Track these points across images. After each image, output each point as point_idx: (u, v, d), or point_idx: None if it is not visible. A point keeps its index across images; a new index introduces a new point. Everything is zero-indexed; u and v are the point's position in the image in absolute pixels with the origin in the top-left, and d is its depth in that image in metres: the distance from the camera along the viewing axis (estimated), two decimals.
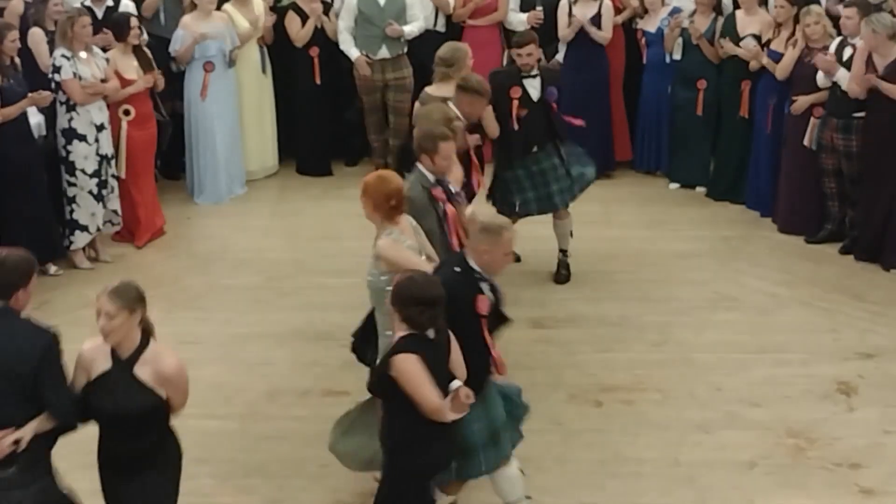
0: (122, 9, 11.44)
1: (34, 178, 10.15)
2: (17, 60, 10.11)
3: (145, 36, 11.26)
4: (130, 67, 10.69)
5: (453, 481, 6.82)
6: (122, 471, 5.90)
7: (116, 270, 10.11)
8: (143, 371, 5.76)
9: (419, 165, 7.67)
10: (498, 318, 6.88)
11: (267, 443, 8.01)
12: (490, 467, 6.72)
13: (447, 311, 6.15)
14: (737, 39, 11.50)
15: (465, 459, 6.60)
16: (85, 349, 5.93)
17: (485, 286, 6.60)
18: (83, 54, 10.26)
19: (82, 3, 11.34)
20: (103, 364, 5.84)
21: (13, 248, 6.00)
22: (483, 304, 6.52)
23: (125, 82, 10.62)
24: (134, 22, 10.77)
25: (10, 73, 9.91)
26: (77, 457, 6.21)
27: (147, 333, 5.81)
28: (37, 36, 10.65)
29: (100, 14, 11.37)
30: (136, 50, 10.76)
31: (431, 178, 7.61)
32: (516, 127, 9.75)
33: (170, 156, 11.98)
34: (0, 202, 10.04)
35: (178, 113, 11.93)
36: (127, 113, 10.72)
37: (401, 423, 6.13)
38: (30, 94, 9.83)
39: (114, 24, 10.76)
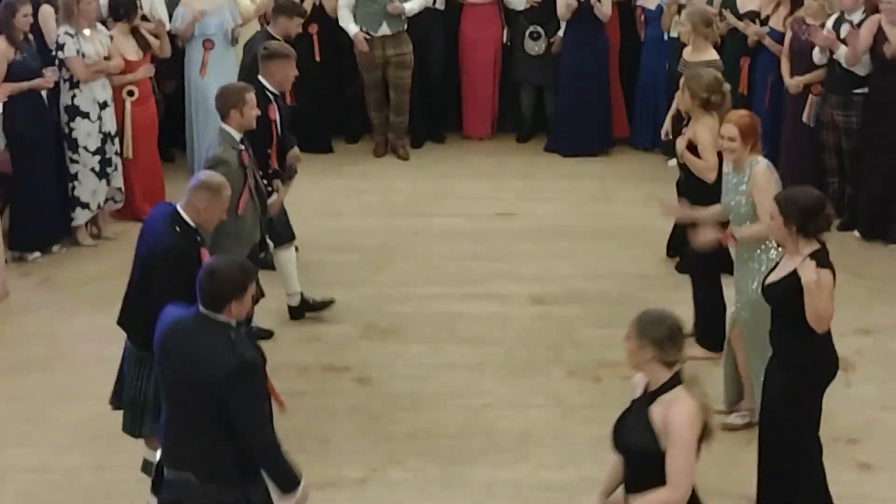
0: None
1: (46, 157, 10.22)
2: (31, 37, 10.13)
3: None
4: (130, 48, 10.70)
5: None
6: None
7: (119, 248, 10.14)
8: (656, 411, 5.29)
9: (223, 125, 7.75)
10: None
11: None
12: None
13: (176, 270, 6.12)
14: (737, 16, 11.51)
15: None
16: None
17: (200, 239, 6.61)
18: (87, 32, 10.27)
19: None
20: (639, 391, 5.51)
21: (229, 257, 5.82)
22: (206, 255, 6.46)
23: (128, 63, 10.63)
24: (139, 3, 10.78)
25: (24, 47, 9.98)
26: None
27: (678, 375, 5.30)
28: (46, 13, 10.66)
29: None
30: (134, 30, 10.77)
31: (238, 136, 7.74)
32: None
33: (162, 135, 11.92)
34: (13, 180, 10.13)
35: (170, 94, 11.89)
36: (131, 94, 10.74)
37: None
38: (35, 81, 9.91)
39: (120, 5, 10.74)
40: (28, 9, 9.97)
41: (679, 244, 9.84)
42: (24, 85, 9.89)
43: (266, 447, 5.56)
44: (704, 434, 5.29)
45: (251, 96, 7.85)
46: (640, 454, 5.37)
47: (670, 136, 9.69)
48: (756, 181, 7.47)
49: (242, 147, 7.81)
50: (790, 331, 6.40)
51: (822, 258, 6.30)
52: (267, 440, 5.56)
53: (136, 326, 6.60)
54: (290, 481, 5.64)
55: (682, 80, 8.66)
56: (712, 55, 9.54)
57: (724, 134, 7.53)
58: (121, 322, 6.86)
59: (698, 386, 5.29)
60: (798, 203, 6.32)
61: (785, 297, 6.35)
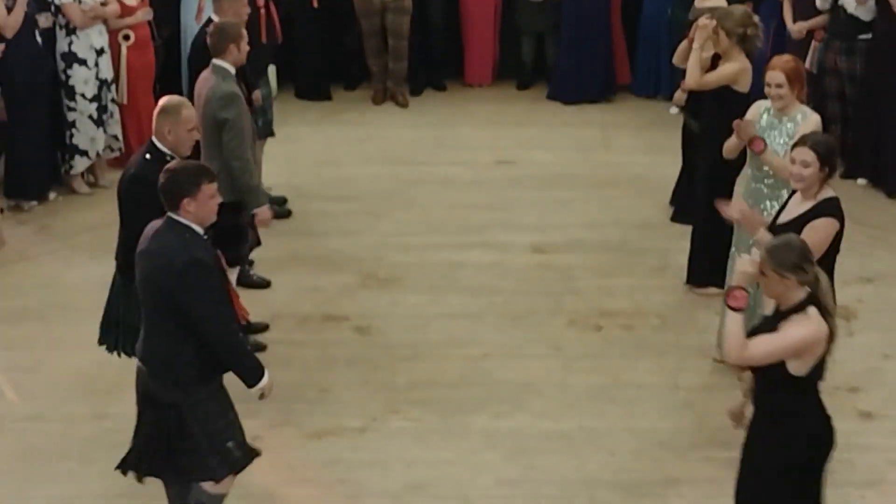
0: None
1: (42, 104, 10.16)
2: None
3: None
4: None
5: None
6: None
7: (115, 196, 10.05)
8: (791, 322, 5.44)
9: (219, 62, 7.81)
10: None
11: (268, 368, 7.95)
12: None
13: (151, 200, 6.09)
14: None
15: None
16: None
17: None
18: None
19: None
20: (768, 309, 5.70)
21: (185, 161, 6.04)
22: None
23: (125, 8, 10.54)
24: None
25: None
26: None
27: (811, 299, 5.45)
28: None
29: None
30: None
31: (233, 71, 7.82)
32: None
33: (163, 82, 11.85)
34: (7, 127, 10.06)
35: (165, 38, 11.81)
36: (127, 38, 10.65)
37: None
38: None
39: None
40: None
41: (681, 195, 9.80)
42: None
43: (222, 339, 5.76)
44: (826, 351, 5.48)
45: (245, 31, 7.95)
46: (766, 371, 5.51)
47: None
48: (807, 128, 7.30)
49: (236, 81, 7.90)
50: None
51: (833, 207, 6.38)
52: (223, 332, 5.75)
53: (122, 258, 6.73)
54: (253, 372, 5.95)
55: (696, 25, 8.54)
56: (720, 0, 9.44)
57: (770, 81, 7.40)
58: (116, 258, 6.97)
59: (832, 316, 5.46)
60: (831, 148, 6.40)
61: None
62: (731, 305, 5.45)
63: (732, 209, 6.92)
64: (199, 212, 5.71)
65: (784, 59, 7.48)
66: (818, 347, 5.42)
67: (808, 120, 7.40)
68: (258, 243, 8.46)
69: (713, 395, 7.71)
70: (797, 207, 6.50)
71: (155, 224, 5.80)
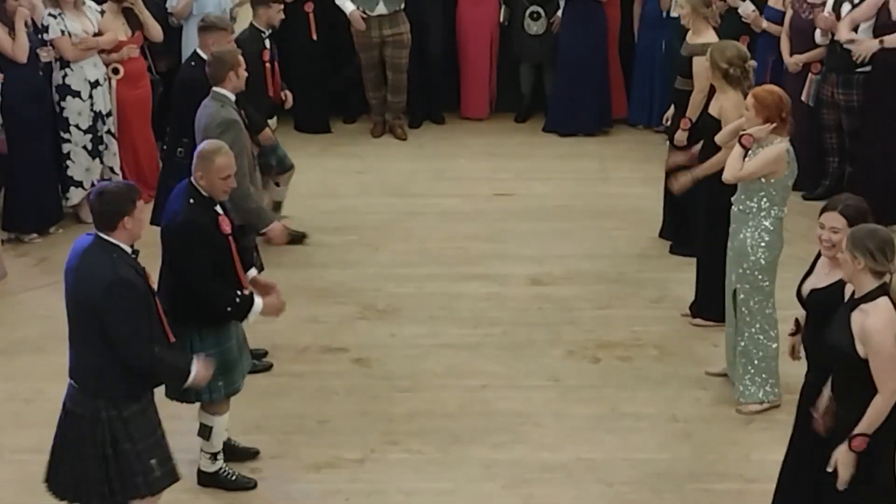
0: None
1: (43, 138, 10.21)
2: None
3: None
4: (121, 29, 10.64)
5: (222, 399, 6.95)
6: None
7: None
8: (856, 317, 5.62)
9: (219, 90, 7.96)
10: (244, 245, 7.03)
11: (267, 399, 8.05)
12: (241, 384, 7.05)
13: (194, 241, 6.49)
14: None
15: (228, 374, 6.86)
16: None
17: (218, 209, 6.77)
18: (72, 10, 10.23)
19: None
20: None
21: (114, 182, 6.23)
22: (225, 224, 6.72)
23: (117, 44, 10.59)
24: None
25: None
26: None
27: (885, 286, 5.62)
28: None
29: None
30: (126, 9, 10.71)
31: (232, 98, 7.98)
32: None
33: (162, 115, 11.87)
34: (8, 160, 10.11)
35: (163, 72, 11.86)
36: (116, 71, 10.69)
37: None
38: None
39: None
40: None
41: (675, 225, 9.86)
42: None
43: (139, 359, 5.89)
44: None
45: (242, 59, 8.08)
46: (838, 355, 5.70)
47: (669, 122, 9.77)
48: (766, 150, 7.47)
49: (236, 108, 8.02)
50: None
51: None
52: (137, 352, 5.88)
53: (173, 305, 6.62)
54: (179, 377, 6.17)
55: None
56: (711, 37, 9.50)
57: (746, 104, 7.62)
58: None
59: None
60: (862, 211, 6.20)
61: (830, 304, 6.13)
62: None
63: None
64: (134, 229, 5.92)
65: (763, 88, 7.65)
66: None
67: (774, 145, 7.49)
68: (261, 269, 8.48)
69: (711, 426, 7.73)
70: (828, 275, 6.28)
71: (83, 242, 5.99)
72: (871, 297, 5.61)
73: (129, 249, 5.93)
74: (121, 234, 5.88)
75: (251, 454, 7.39)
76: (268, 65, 9.90)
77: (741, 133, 7.58)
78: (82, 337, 5.97)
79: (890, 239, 5.65)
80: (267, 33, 10.07)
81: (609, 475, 7.25)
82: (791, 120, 7.57)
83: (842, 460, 5.72)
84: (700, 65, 9.19)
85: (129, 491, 6.02)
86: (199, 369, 6.16)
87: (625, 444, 7.55)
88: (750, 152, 7.53)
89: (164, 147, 9.35)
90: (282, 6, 10.24)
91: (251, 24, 10.17)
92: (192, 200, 6.65)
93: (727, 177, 7.60)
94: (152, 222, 9.01)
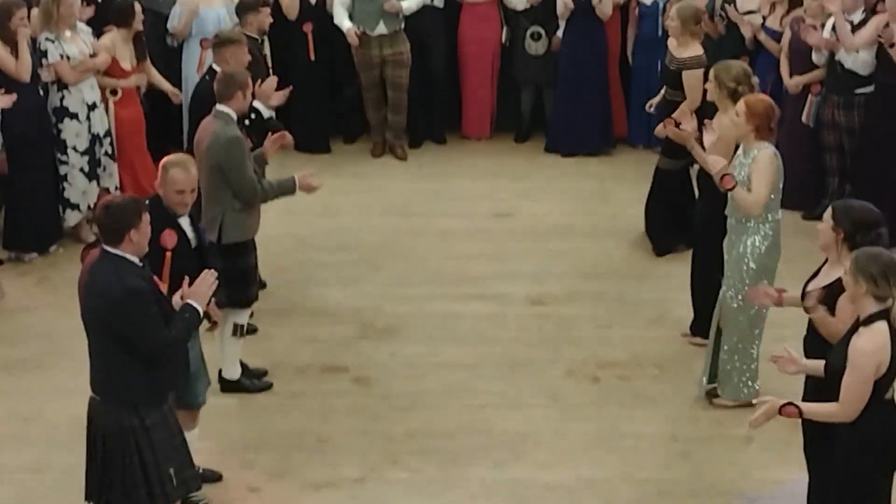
0: None
1: (43, 158, 10.23)
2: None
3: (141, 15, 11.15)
4: (126, 56, 10.65)
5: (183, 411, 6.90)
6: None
7: None
8: (854, 339, 5.72)
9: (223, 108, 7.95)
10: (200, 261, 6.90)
11: (267, 417, 8.05)
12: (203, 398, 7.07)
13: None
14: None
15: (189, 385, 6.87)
16: None
17: (183, 221, 6.84)
18: (68, 33, 10.25)
19: None
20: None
21: (119, 195, 6.28)
22: (169, 239, 6.75)
23: (121, 71, 10.61)
24: (137, 8, 10.73)
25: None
26: None
27: (887, 311, 5.68)
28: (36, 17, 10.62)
29: None
30: (135, 37, 10.73)
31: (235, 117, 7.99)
32: None
33: (160, 133, 11.86)
34: (8, 179, 10.14)
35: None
36: (114, 93, 10.71)
37: None
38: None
39: (117, 10, 10.70)
40: (24, 12, 9.94)
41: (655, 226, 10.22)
42: None
43: (164, 352, 6.05)
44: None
45: (250, 80, 8.11)
46: (833, 374, 5.79)
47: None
48: (757, 163, 7.63)
49: (239, 126, 8.05)
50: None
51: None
52: (162, 348, 6.02)
53: None
54: (197, 325, 6.29)
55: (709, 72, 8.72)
56: (697, 50, 9.61)
57: (736, 110, 7.74)
58: None
59: None
60: (852, 214, 6.35)
61: (827, 302, 6.35)
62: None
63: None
64: (141, 241, 6.02)
65: (755, 96, 7.80)
66: (883, 357, 5.61)
67: (762, 151, 7.67)
68: (264, 285, 8.51)
69: (711, 445, 7.73)
70: (827, 275, 6.47)
71: (91, 258, 6.07)
72: (871, 320, 5.66)
73: (136, 261, 6.00)
74: (127, 247, 5.96)
75: (215, 477, 7.39)
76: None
77: (722, 174, 7.66)
78: (100, 349, 6.08)
79: (894, 264, 5.69)
80: (261, 39, 10.17)
81: (609, 495, 7.25)
82: (776, 129, 7.78)
83: (766, 410, 5.88)
84: (692, 77, 9.30)
85: (145, 499, 6.12)
86: (200, 301, 6.19)
87: (624, 464, 7.55)
88: (741, 176, 7.61)
89: None
90: (269, 9, 10.31)
91: (241, 32, 10.15)
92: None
93: (756, 212, 7.65)
94: None
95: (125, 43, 10.65)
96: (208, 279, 6.23)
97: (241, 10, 10.21)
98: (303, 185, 8.25)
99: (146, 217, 6.03)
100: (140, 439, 6.05)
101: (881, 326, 5.64)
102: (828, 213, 6.43)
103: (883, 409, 5.74)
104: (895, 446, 5.77)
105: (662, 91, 10.12)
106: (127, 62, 10.67)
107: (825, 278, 6.46)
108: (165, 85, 11.12)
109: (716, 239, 8.05)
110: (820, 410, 5.81)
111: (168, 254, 6.73)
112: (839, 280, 6.02)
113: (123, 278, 5.90)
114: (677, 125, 8.66)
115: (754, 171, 7.63)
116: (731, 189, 7.62)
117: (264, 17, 10.19)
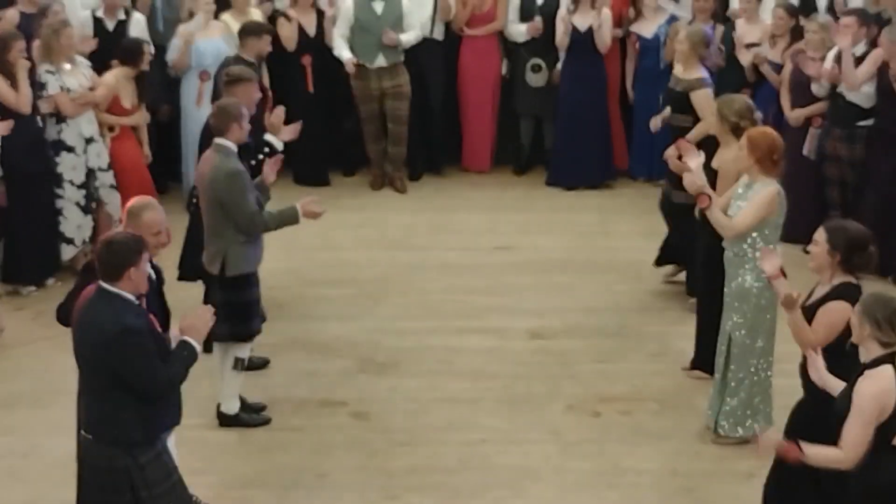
0: (133, 24, 11.42)
1: (41, 191, 10.23)
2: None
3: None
4: (128, 95, 10.67)
5: None
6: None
7: None
8: (859, 382, 5.72)
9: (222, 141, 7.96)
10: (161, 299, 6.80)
11: (265, 453, 8.00)
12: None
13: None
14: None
15: None
16: None
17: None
18: (67, 66, 10.26)
19: (93, 15, 11.30)
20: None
21: (119, 232, 6.14)
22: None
23: (120, 109, 10.62)
24: (146, 48, 10.74)
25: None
26: None
27: (892, 355, 5.71)
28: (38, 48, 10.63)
29: (111, 27, 11.34)
30: (139, 77, 10.74)
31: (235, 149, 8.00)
32: None
33: (160, 166, 11.87)
34: (7, 212, 10.13)
35: (164, 121, 11.90)
36: (112, 129, 10.71)
37: None
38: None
39: (126, 49, 10.71)
40: (22, 44, 9.95)
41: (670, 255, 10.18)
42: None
43: (161, 391, 6.02)
44: None
45: (245, 111, 8.10)
46: (839, 418, 5.74)
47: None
48: (756, 196, 7.64)
49: (239, 159, 8.04)
50: (832, 359, 6.35)
51: (848, 292, 6.35)
52: (159, 387, 5.99)
53: None
54: (192, 362, 6.13)
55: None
56: (702, 73, 9.61)
57: (740, 143, 7.75)
58: None
59: None
60: (848, 236, 6.43)
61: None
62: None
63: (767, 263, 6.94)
64: (139, 280, 5.95)
65: (758, 129, 7.84)
66: (887, 401, 5.58)
67: (767, 188, 7.67)
68: (265, 318, 8.49)
69: (713, 481, 7.68)
70: (818, 292, 6.58)
71: (87, 295, 6.00)
72: (876, 363, 5.66)
73: (132, 298, 5.94)
74: (125, 285, 5.91)
75: None
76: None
77: (699, 194, 7.77)
78: (93, 388, 6.02)
79: None
80: (259, 64, 10.19)
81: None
82: (782, 163, 7.76)
83: (773, 444, 5.93)
84: (700, 97, 9.34)
85: None
86: (197, 338, 6.13)
87: (626, 500, 7.50)
88: (739, 203, 7.63)
89: (194, 199, 9.16)
90: (270, 37, 10.32)
91: (237, 55, 10.17)
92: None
93: (729, 235, 7.68)
94: (180, 277, 9.02)
95: (128, 81, 10.65)
96: (205, 315, 6.19)
97: (243, 33, 10.22)
98: (307, 213, 8.22)
99: (146, 256, 6.00)
100: (135, 478, 5.98)
101: (886, 371, 5.62)
102: (821, 236, 6.46)
103: (893, 456, 5.68)
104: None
105: (664, 113, 10.09)
106: (128, 101, 10.68)
107: (815, 295, 6.55)
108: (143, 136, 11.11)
109: (718, 272, 8.02)
110: (824, 455, 5.76)
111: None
112: (824, 297, 6.24)
113: (120, 316, 5.84)
114: (680, 157, 8.66)
115: (750, 201, 7.63)
116: (705, 208, 7.69)
117: (264, 44, 10.20)
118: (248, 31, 10.21)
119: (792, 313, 6.40)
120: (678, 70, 9.83)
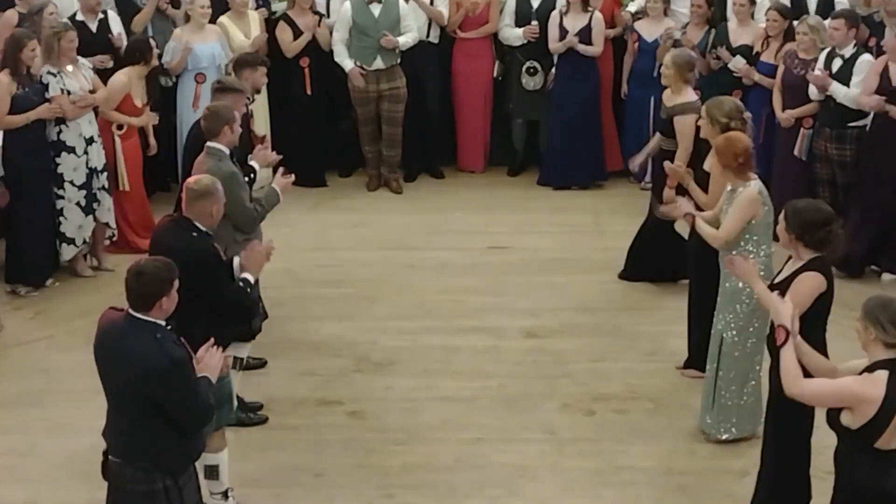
0: (112, 21, 11.46)
1: (43, 192, 10.27)
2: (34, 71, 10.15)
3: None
4: (139, 94, 10.73)
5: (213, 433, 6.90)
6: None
7: (115, 280, 10.05)
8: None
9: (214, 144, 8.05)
10: None
11: (262, 452, 8.04)
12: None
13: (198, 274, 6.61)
14: (729, 50, 11.55)
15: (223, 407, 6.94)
16: None
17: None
18: (69, 68, 10.29)
19: (74, 17, 11.33)
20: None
21: (152, 258, 6.05)
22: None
23: (132, 108, 10.69)
24: (153, 44, 10.79)
25: (27, 82, 10.02)
26: None
27: (888, 364, 5.69)
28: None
29: (93, 28, 11.37)
30: (149, 75, 10.78)
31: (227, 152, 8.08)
32: None
33: (156, 168, 11.89)
34: (9, 212, 10.19)
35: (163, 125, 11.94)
36: (120, 127, 10.75)
37: None
38: (38, 108, 9.96)
39: (134, 47, 10.77)
40: (35, 44, 10.00)
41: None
42: (31, 115, 9.98)
43: (205, 420, 6.00)
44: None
45: (236, 114, 8.18)
46: (833, 425, 5.82)
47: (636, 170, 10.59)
48: (736, 200, 7.77)
49: (232, 161, 8.12)
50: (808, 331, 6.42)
51: (819, 265, 6.64)
52: (204, 416, 5.96)
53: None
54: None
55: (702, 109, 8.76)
56: (690, 96, 9.59)
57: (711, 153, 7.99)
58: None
59: None
60: (801, 215, 6.64)
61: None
62: (777, 344, 5.90)
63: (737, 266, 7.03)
64: (169, 307, 5.85)
65: (727, 134, 7.91)
66: (867, 407, 5.60)
67: (745, 190, 7.77)
68: (265, 316, 8.55)
69: (707, 479, 7.72)
70: (789, 269, 6.78)
71: (115, 324, 5.88)
72: (875, 367, 5.69)
73: (165, 325, 5.85)
74: (157, 313, 5.81)
75: None
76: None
77: (685, 213, 8.16)
78: (132, 419, 5.86)
79: None
80: (252, 98, 9.91)
81: None
82: (752, 162, 7.82)
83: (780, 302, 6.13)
84: (683, 123, 9.33)
85: None
86: (213, 376, 6.10)
87: (621, 498, 7.54)
88: (726, 207, 7.81)
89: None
90: (265, 69, 9.98)
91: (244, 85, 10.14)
92: (194, 234, 6.89)
93: (718, 244, 7.85)
94: None
95: (140, 80, 10.71)
96: (217, 354, 6.13)
97: (238, 66, 9.97)
98: (283, 187, 8.44)
99: (176, 283, 5.87)
100: (173, 498, 5.91)
101: (881, 375, 5.64)
102: (781, 216, 6.73)
103: (873, 458, 5.67)
104: (884, 498, 5.74)
105: (648, 146, 10.23)
106: (139, 99, 10.74)
107: (787, 273, 6.77)
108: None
109: (711, 272, 8.07)
110: (786, 363, 5.86)
111: None
112: (794, 273, 6.60)
113: (165, 349, 5.72)
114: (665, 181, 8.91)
115: (732, 207, 7.76)
116: (691, 224, 8.07)
117: (259, 77, 9.87)
118: (243, 63, 9.93)
119: (755, 284, 6.69)
120: (666, 96, 9.78)
